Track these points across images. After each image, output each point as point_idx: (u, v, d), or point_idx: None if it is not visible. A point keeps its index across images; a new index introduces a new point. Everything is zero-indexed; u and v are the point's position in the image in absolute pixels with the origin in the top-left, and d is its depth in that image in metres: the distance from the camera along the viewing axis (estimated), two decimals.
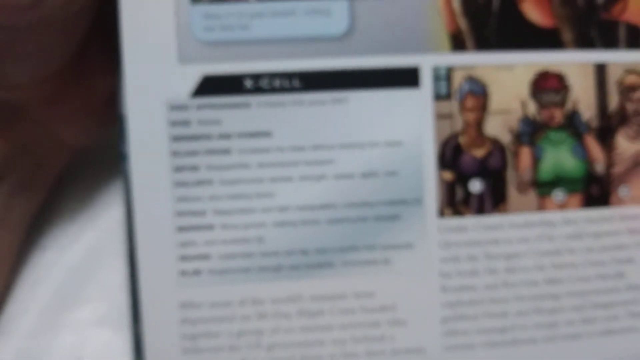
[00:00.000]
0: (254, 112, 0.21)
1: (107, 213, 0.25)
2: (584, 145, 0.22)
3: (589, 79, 0.22)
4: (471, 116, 0.22)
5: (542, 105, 0.22)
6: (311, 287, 0.21)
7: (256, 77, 0.21)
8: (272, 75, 0.21)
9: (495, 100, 0.22)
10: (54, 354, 0.24)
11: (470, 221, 0.22)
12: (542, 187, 0.22)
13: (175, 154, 0.21)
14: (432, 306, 0.22)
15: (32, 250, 0.25)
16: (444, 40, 0.22)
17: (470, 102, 0.22)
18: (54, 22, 0.20)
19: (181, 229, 0.21)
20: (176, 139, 0.21)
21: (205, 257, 0.21)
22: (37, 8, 0.19)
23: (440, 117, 0.22)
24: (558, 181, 0.22)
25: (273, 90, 0.21)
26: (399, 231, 0.22)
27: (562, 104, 0.22)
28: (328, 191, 0.21)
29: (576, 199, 0.22)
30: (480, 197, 0.22)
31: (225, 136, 0.21)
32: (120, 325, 0.24)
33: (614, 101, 0.23)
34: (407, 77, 0.21)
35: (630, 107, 0.23)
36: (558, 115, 0.22)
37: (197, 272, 0.21)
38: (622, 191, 0.23)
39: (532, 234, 0.22)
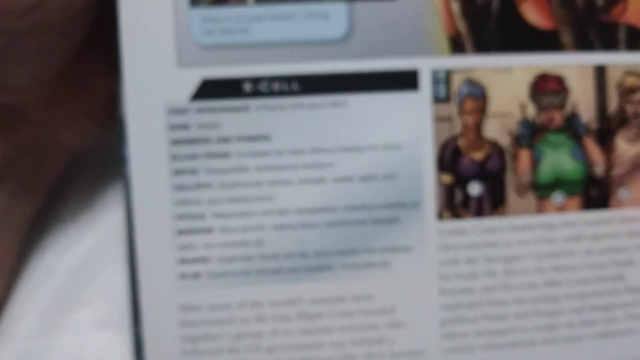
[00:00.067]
0: (253, 115, 0.21)
1: (107, 215, 0.25)
2: (584, 148, 0.22)
3: (589, 81, 0.22)
4: (470, 119, 0.22)
5: (541, 108, 0.22)
6: (310, 289, 0.21)
7: (255, 80, 0.21)
8: (271, 79, 0.21)
9: (494, 103, 0.22)
10: (55, 355, 0.24)
11: (469, 224, 0.22)
12: (541, 189, 0.22)
13: (174, 157, 0.21)
14: (431, 309, 0.22)
15: (33, 252, 0.25)
16: (443, 43, 0.22)
17: (469, 105, 0.22)
18: (54, 26, 0.20)
19: (181, 232, 0.21)
20: (175, 142, 0.21)
21: (204, 260, 0.21)
22: (36, 12, 0.19)
23: (439, 120, 0.22)
24: (557, 184, 0.22)
25: (272, 93, 0.21)
26: (397, 234, 0.22)
27: (561, 106, 0.22)
28: (327, 194, 0.21)
29: (575, 201, 0.22)
30: (479, 199, 0.22)
31: (225, 140, 0.21)
32: (120, 327, 0.24)
33: (613, 103, 0.22)
34: (406, 80, 0.21)
35: (629, 109, 0.23)
36: (557, 118, 0.22)
37: (196, 275, 0.21)
38: (622, 193, 0.23)
39: (531, 237, 0.22)
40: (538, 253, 0.22)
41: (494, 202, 0.22)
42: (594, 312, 0.22)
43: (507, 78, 0.22)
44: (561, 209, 0.22)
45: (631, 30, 0.22)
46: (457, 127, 0.22)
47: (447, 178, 0.22)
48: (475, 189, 0.22)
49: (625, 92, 0.23)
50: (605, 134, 0.23)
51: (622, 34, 0.22)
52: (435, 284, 0.22)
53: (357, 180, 0.21)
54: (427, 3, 0.21)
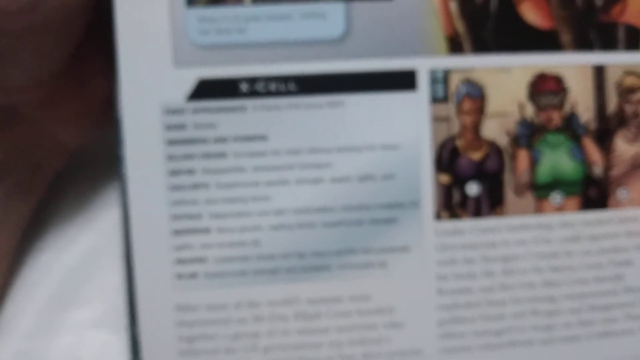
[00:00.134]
0: (250, 115, 0.21)
1: (104, 215, 0.25)
2: (582, 148, 0.22)
3: (588, 81, 0.22)
4: (468, 119, 0.22)
5: (540, 108, 0.22)
6: (308, 290, 0.21)
7: (252, 80, 0.21)
8: (268, 79, 0.21)
9: (493, 103, 0.22)
10: (52, 355, 0.24)
11: (467, 224, 0.22)
12: (540, 189, 0.22)
13: (170, 157, 0.21)
14: (429, 309, 0.22)
15: (30, 251, 0.25)
16: (441, 42, 0.21)
17: (467, 105, 0.22)
18: (51, 25, 0.20)
19: (177, 232, 0.21)
20: (172, 142, 0.21)
21: (201, 260, 0.21)
22: (34, 11, 0.19)
23: (437, 120, 0.22)
24: (556, 184, 0.22)
25: (269, 93, 0.21)
26: (395, 234, 0.22)
27: (560, 106, 0.22)
28: (325, 194, 0.21)
29: (574, 201, 0.22)
30: (478, 200, 0.22)
31: (221, 140, 0.21)
32: (117, 327, 0.24)
33: (612, 103, 0.22)
34: (403, 80, 0.21)
35: (629, 109, 0.23)
36: (556, 118, 0.22)
37: (193, 275, 0.21)
38: (621, 194, 0.22)
39: (529, 237, 0.22)
40: (536, 253, 0.22)
41: (492, 202, 0.22)
42: (592, 313, 0.22)
43: (506, 78, 0.22)
44: (560, 209, 0.22)
45: (630, 29, 0.22)
46: (455, 127, 0.22)
47: (445, 178, 0.22)
48: (473, 189, 0.22)
49: (625, 92, 0.22)
50: (604, 134, 0.22)
51: (621, 34, 0.22)
52: (433, 284, 0.22)
53: (355, 180, 0.21)
54: (424, 3, 0.21)
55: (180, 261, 0.21)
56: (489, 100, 0.22)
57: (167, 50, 0.21)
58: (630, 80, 0.22)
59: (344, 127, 0.21)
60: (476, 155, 0.22)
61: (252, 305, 0.21)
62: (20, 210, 0.24)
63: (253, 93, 0.21)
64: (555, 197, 0.22)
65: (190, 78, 0.21)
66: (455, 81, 0.22)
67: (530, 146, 0.22)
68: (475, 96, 0.22)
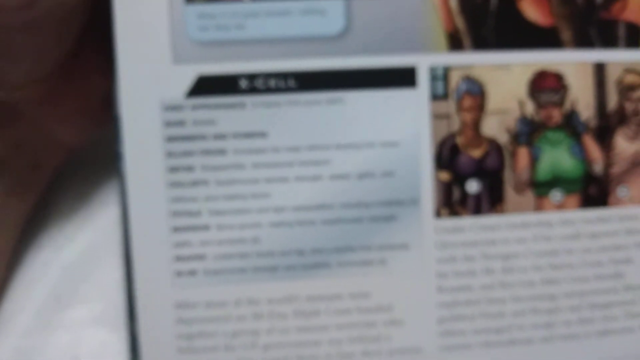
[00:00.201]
0: (249, 112, 0.21)
1: (103, 212, 0.25)
2: (582, 145, 0.22)
3: (588, 79, 0.22)
4: (468, 116, 0.22)
5: (540, 105, 0.22)
6: (307, 287, 0.21)
7: (251, 77, 0.21)
8: (268, 75, 0.21)
9: (493, 100, 0.22)
10: (50, 353, 0.24)
11: (467, 222, 0.22)
12: (540, 187, 0.22)
13: (170, 154, 0.21)
14: (429, 306, 0.22)
15: (28, 249, 0.25)
16: (441, 39, 0.21)
17: (467, 102, 0.22)
18: (48, 22, 0.20)
19: (176, 229, 0.21)
20: (171, 139, 0.21)
21: (200, 257, 0.21)
22: (31, 8, 0.19)
23: (437, 117, 0.22)
24: (556, 181, 0.22)
25: (268, 90, 0.21)
26: (395, 232, 0.22)
27: (560, 103, 0.22)
28: (324, 192, 0.21)
29: (574, 199, 0.22)
30: (477, 197, 0.22)
31: (221, 136, 0.21)
32: (116, 324, 0.24)
33: (612, 101, 0.22)
34: (403, 77, 0.21)
35: (629, 106, 0.22)
36: (556, 115, 0.22)
37: (192, 273, 0.21)
38: (621, 191, 0.22)
39: (529, 235, 0.22)
40: (536, 251, 0.22)
41: (492, 200, 0.22)
42: (592, 310, 0.22)
43: (506, 75, 0.22)
44: (560, 206, 0.22)
45: (631, 27, 0.22)
46: (455, 124, 0.22)
47: (445, 175, 0.22)
48: (473, 186, 0.22)
49: (625, 90, 0.22)
50: (604, 132, 0.22)
51: (621, 31, 0.22)
52: (433, 282, 0.22)
53: (354, 177, 0.21)
54: None
55: (180, 258, 0.21)
56: (489, 98, 0.22)
57: (166, 47, 0.21)
58: (630, 78, 0.22)
59: (343, 124, 0.21)
60: (476, 153, 0.22)
61: (252, 303, 0.21)
62: (18, 207, 0.24)
63: (252, 89, 0.21)
64: (556, 195, 0.22)
65: (189, 74, 0.21)
66: (455, 78, 0.22)
67: (530, 144, 0.22)
68: (475, 93, 0.22)
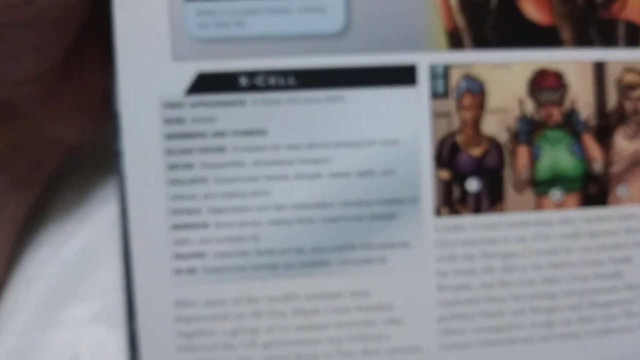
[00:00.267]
0: (249, 110, 0.21)
1: (102, 210, 0.25)
2: (582, 144, 0.22)
3: (588, 77, 0.22)
4: (468, 115, 0.22)
5: (540, 104, 0.22)
6: (307, 285, 0.21)
7: (251, 74, 0.21)
8: (267, 73, 0.21)
9: (493, 99, 0.22)
10: (49, 351, 0.24)
11: (467, 220, 0.22)
12: (540, 186, 0.22)
13: (169, 151, 0.21)
14: (428, 305, 0.22)
15: (27, 247, 0.25)
16: (441, 38, 0.21)
17: (467, 101, 0.22)
18: (47, 19, 0.20)
19: (176, 227, 0.21)
20: (170, 136, 0.21)
21: (200, 255, 0.21)
22: (30, 5, 0.19)
23: (437, 115, 0.22)
24: (555, 180, 0.22)
25: (268, 88, 0.21)
26: (395, 230, 0.22)
27: (560, 102, 0.22)
28: (324, 190, 0.21)
29: (574, 198, 0.22)
30: (477, 196, 0.22)
31: (220, 134, 0.21)
32: (115, 322, 0.24)
33: (612, 100, 0.22)
34: (403, 75, 0.21)
35: (629, 105, 0.22)
36: (556, 114, 0.22)
37: (192, 271, 0.21)
38: (621, 190, 0.22)
39: (529, 233, 0.22)
40: (536, 250, 0.22)
41: (492, 199, 0.22)
42: (592, 310, 0.22)
43: (506, 74, 0.22)
44: (559, 205, 0.22)
45: (630, 26, 0.22)
46: (456, 122, 0.22)
47: (445, 174, 0.22)
48: (473, 185, 0.22)
49: (625, 89, 0.22)
50: (604, 131, 0.22)
51: (621, 30, 0.22)
52: (433, 280, 0.22)
53: (354, 175, 0.21)
54: None
55: (179, 256, 0.21)
56: (489, 96, 0.22)
57: (166, 44, 0.21)
58: (630, 77, 0.22)
59: (343, 122, 0.21)
60: (476, 151, 0.22)
61: (251, 301, 0.21)
62: (17, 205, 0.24)
63: (252, 87, 0.21)
64: (555, 194, 0.22)
65: (189, 72, 0.21)
66: (455, 76, 0.22)
67: (530, 142, 0.22)
68: (475, 92, 0.22)
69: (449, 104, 0.22)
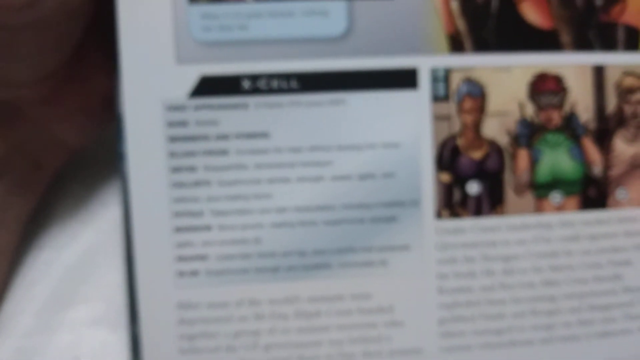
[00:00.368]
0: (252, 113, 0.21)
1: (104, 213, 0.25)
2: (582, 148, 0.22)
3: (587, 81, 0.22)
4: (469, 118, 0.22)
5: (540, 107, 0.22)
6: (308, 288, 0.21)
7: (254, 77, 0.21)
8: (270, 76, 0.21)
9: (493, 102, 0.22)
10: (51, 353, 0.24)
11: (468, 223, 0.22)
12: (540, 189, 0.22)
13: (172, 154, 0.21)
14: (429, 307, 0.22)
15: (30, 249, 0.25)
16: (442, 41, 0.22)
17: (468, 104, 0.22)
18: (51, 22, 0.20)
19: (179, 229, 0.21)
20: (173, 139, 0.21)
21: (202, 257, 0.21)
22: (33, 8, 0.19)
23: (438, 118, 0.22)
24: (555, 183, 0.22)
25: (271, 91, 0.21)
26: (396, 233, 0.22)
27: (560, 106, 0.22)
28: (325, 192, 0.21)
29: (573, 201, 0.22)
30: (478, 199, 0.22)
31: (223, 137, 0.21)
32: (117, 325, 0.24)
33: (611, 103, 0.22)
34: (405, 79, 0.21)
35: (628, 109, 0.23)
36: (556, 117, 0.22)
37: (194, 273, 0.21)
38: (620, 194, 0.23)
39: (529, 236, 0.22)
40: (536, 252, 0.22)
41: (492, 202, 0.22)
42: (592, 312, 0.22)
43: (506, 77, 0.22)
44: (559, 208, 0.22)
45: (630, 30, 0.22)
46: (456, 126, 0.22)
47: (446, 177, 0.22)
48: (473, 188, 0.22)
49: (624, 93, 0.23)
50: (603, 134, 0.23)
51: (620, 34, 0.22)
52: (434, 283, 0.22)
53: (356, 178, 0.21)
54: (426, 1, 0.21)
55: (182, 259, 0.21)
56: (489, 100, 0.22)
57: (170, 47, 0.21)
58: (629, 81, 0.23)
59: (345, 125, 0.21)
60: (477, 154, 0.22)
61: (253, 303, 0.21)
62: (19, 207, 0.24)
63: (255, 90, 0.21)
64: (555, 197, 0.22)
65: (192, 75, 0.21)
66: (456, 80, 0.22)
67: (530, 146, 0.22)
68: (476, 95, 0.22)
69: (450, 107, 0.22)
